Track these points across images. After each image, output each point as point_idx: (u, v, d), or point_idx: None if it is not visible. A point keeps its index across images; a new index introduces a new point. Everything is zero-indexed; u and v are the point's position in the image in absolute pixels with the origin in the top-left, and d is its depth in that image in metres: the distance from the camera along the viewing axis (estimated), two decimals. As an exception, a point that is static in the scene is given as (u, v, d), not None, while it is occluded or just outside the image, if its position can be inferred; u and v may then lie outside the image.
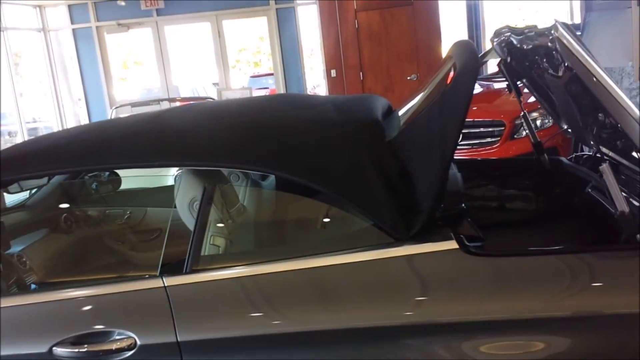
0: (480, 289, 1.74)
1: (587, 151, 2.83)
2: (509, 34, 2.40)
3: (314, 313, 1.79)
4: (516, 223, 2.73)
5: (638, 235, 1.77)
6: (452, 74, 2.10)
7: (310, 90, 13.99)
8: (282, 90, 11.43)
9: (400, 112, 2.42)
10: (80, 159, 2.16)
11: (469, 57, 2.01)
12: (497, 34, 2.50)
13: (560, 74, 2.11)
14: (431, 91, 2.34)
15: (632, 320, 1.64)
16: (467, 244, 1.79)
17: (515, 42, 2.33)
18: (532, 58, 2.41)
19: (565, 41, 1.80)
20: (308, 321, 1.78)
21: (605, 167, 1.79)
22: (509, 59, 2.54)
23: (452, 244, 1.77)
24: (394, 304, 1.75)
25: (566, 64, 1.96)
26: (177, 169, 2.55)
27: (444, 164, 1.82)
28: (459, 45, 2.27)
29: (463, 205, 2.05)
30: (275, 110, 2.46)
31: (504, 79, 2.75)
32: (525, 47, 2.24)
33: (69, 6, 11.50)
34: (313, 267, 1.85)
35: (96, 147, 2.19)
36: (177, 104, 10.91)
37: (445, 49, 10.51)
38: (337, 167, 1.94)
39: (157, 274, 1.92)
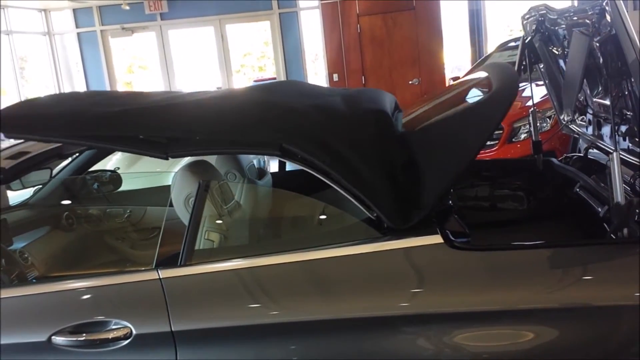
0: (464, 281, 1.78)
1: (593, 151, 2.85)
2: (544, 11, 2.45)
3: (304, 303, 1.84)
4: (506, 222, 2.77)
5: (625, 230, 1.80)
6: (486, 89, 2.17)
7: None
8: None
9: (415, 110, 2.47)
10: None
11: (511, 83, 2.08)
12: (532, 10, 2.56)
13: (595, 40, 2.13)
14: (457, 99, 2.39)
15: (619, 312, 1.69)
16: (452, 238, 1.83)
17: (550, 18, 2.38)
18: (560, 36, 2.45)
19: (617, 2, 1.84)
20: (299, 311, 1.83)
21: (614, 156, 1.82)
22: (535, 37, 2.59)
23: (437, 239, 1.82)
24: (380, 295, 1.79)
25: (608, 29, 1.98)
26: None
27: (458, 170, 1.87)
28: (501, 68, 2.33)
29: (450, 202, 2.10)
30: (288, 93, 2.51)
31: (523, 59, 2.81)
32: (558, 23, 2.28)
33: (74, 10, 11.58)
34: (303, 260, 1.90)
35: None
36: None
37: (447, 53, 10.56)
38: (344, 147, 1.96)
39: (153, 266, 1.97)
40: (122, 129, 2.08)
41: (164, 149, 1.98)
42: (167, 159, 1.97)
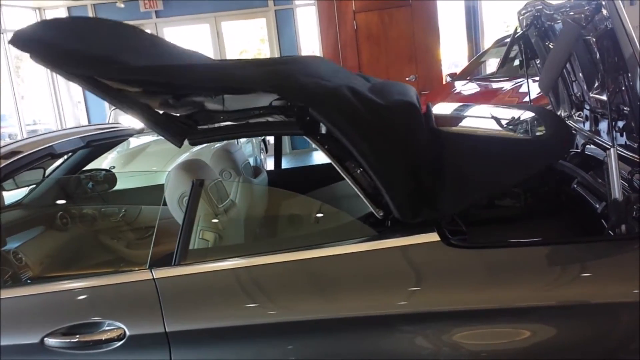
0: (461, 280, 1.77)
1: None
2: (540, 6, 2.44)
3: (301, 303, 1.82)
4: (503, 219, 2.75)
5: (623, 226, 1.79)
6: (538, 130, 2.20)
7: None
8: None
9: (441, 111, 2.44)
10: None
11: (566, 136, 2.12)
12: (528, 5, 2.55)
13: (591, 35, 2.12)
14: (506, 123, 2.39)
15: (617, 309, 1.68)
16: (449, 236, 1.82)
17: (546, 13, 2.37)
18: (556, 32, 2.44)
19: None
20: (295, 311, 1.82)
21: (611, 152, 1.80)
22: (531, 32, 2.58)
23: (434, 237, 1.80)
24: (378, 294, 1.78)
25: (605, 24, 1.97)
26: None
27: (488, 192, 1.86)
28: (555, 119, 2.33)
29: None
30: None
31: (517, 58, 2.81)
32: (554, 18, 2.27)
33: (69, 8, 11.54)
34: (300, 259, 1.88)
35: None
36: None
37: (444, 49, 10.55)
38: (371, 128, 1.90)
39: (147, 266, 1.95)
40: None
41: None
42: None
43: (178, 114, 1.99)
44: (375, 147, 1.85)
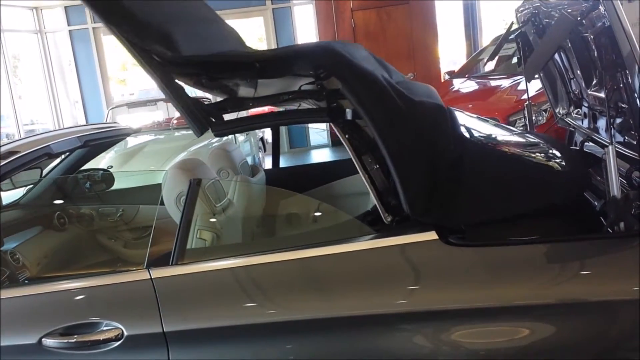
0: (460, 278, 1.76)
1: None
2: (538, 4, 2.43)
3: (299, 302, 1.82)
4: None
5: (622, 223, 1.78)
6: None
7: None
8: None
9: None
10: None
11: (583, 178, 2.13)
12: (526, 3, 2.55)
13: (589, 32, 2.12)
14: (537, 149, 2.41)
15: (617, 306, 1.67)
16: (447, 235, 1.81)
17: (544, 11, 2.36)
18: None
19: None
20: (294, 310, 1.81)
21: (609, 149, 1.80)
22: (530, 31, 2.58)
23: (432, 235, 1.80)
24: (376, 293, 1.77)
25: (603, 21, 1.96)
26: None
27: (508, 213, 1.86)
28: (573, 154, 2.37)
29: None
30: None
31: (515, 56, 2.80)
32: (552, 16, 2.27)
33: (66, 8, 11.51)
34: (298, 258, 1.88)
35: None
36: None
37: (442, 47, 10.55)
38: (401, 116, 1.88)
39: (144, 266, 1.94)
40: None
41: None
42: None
43: (207, 102, 1.97)
44: (400, 136, 1.83)
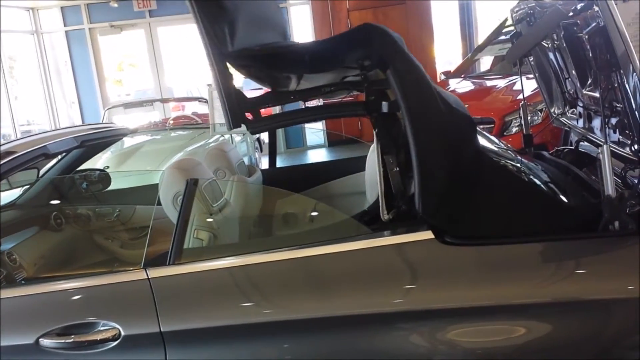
0: (456, 277, 1.77)
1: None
2: (533, 4, 2.44)
3: (296, 301, 1.82)
4: None
5: (617, 222, 1.79)
6: None
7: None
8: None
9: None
10: None
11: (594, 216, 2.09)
12: (521, 3, 2.56)
13: (584, 32, 2.12)
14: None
15: (612, 305, 1.68)
16: (443, 234, 1.81)
17: (539, 10, 2.37)
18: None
19: None
20: (291, 309, 1.81)
21: (604, 149, 1.81)
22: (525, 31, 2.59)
23: (429, 234, 1.80)
24: (373, 292, 1.78)
25: (597, 21, 1.97)
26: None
27: (513, 235, 1.84)
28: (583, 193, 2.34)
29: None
30: None
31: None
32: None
33: (62, 8, 11.50)
34: (295, 257, 1.88)
35: None
36: (170, 104, 10.95)
37: (438, 47, 10.55)
38: (438, 114, 1.87)
39: (141, 266, 1.95)
40: None
41: None
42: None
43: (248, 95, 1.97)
44: (432, 133, 1.82)
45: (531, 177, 2.23)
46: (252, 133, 1.92)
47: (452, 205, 1.84)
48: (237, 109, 1.84)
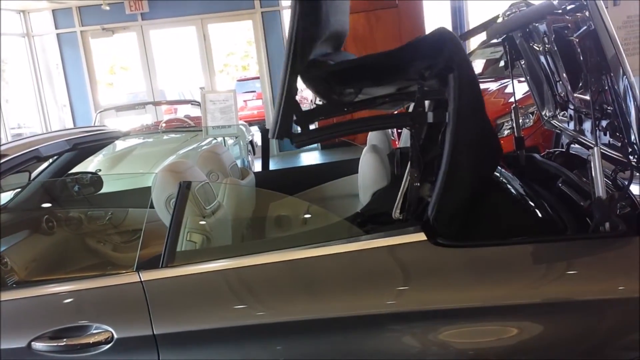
0: (448, 279, 1.78)
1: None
2: (524, 8, 2.46)
3: (289, 303, 1.82)
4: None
5: (607, 224, 1.80)
6: None
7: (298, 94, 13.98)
8: (268, 94, 11.44)
9: None
10: None
11: None
12: (512, 7, 2.57)
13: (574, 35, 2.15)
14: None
15: (602, 306, 1.70)
16: (435, 235, 1.83)
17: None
18: (540, 32, 2.47)
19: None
20: (284, 311, 1.81)
21: (595, 151, 1.82)
22: (517, 34, 2.61)
23: (421, 236, 1.81)
24: (365, 294, 1.78)
25: (588, 24, 1.99)
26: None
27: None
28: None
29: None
30: None
31: (502, 59, 2.84)
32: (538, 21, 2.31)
33: (53, 11, 11.45)
34: (287, 260, 1.88)
35: None
36: (163, 107, 10.93)
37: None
38: (481, 129, 1.95)
39: (134, 269, 1.94)
40: None
41: None
42: None
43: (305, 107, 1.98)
44: (467, 150, 1.88)
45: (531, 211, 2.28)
46: (297, 147, 1.92)
47: (461, 217, 1.88)
48: (289, 122, 1.84)
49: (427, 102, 2.04)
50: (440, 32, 1.88)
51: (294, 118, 1.85)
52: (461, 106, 1.83)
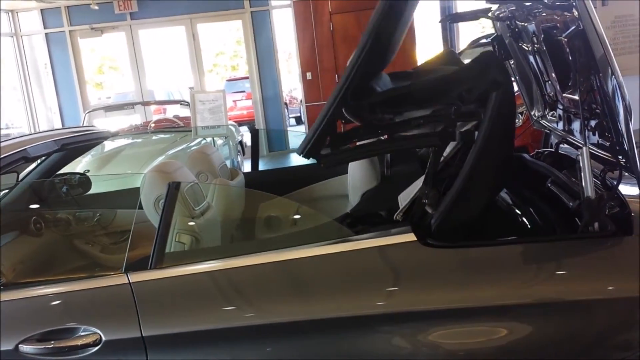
0: (438, 279, 1.78)
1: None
2: (514, 7, 2.47)
3: (279, 305, 1.82)
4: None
5: (596, 224, 1.81)
6: None
7: (286, 94, 14.00)
8: (257, 94, 11.44)
9: None
10: None
11: None
12: (502, 7, 2.58)
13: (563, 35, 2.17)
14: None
15: (592, 306, 1.70)
16: (425, 236, 1.83)
17: (519, 14, 2.41)
18: (529, 32, 2.48)
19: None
20: (273, 313, 1.81)
21: (583, 151, 1.83)
22: (506, 34, 2.62)
23: (411, 237, 1.81)
24: (355, 295, 1.78)
25: (577, 24, 2.00)
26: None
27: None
28: None
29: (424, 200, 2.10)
30: None
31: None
32: (528, 19, 2.32)
33: (42, 10, 11.39)
34: (277, 261, 1.88)
35: None
36: (152, 107, 10.89)
37: (419, 50, 10.59)
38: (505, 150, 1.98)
39: (122, 270, 1.93)
40: None
41: None
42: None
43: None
44: (491, 170, 1.92)
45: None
46: (326, 167, 1.91)
47: (465, 230, 1.90)
48: (322, 143, 1.85)
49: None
50: (486, 56, 1.91)
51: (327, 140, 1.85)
52: (494, 129, 1.86)
